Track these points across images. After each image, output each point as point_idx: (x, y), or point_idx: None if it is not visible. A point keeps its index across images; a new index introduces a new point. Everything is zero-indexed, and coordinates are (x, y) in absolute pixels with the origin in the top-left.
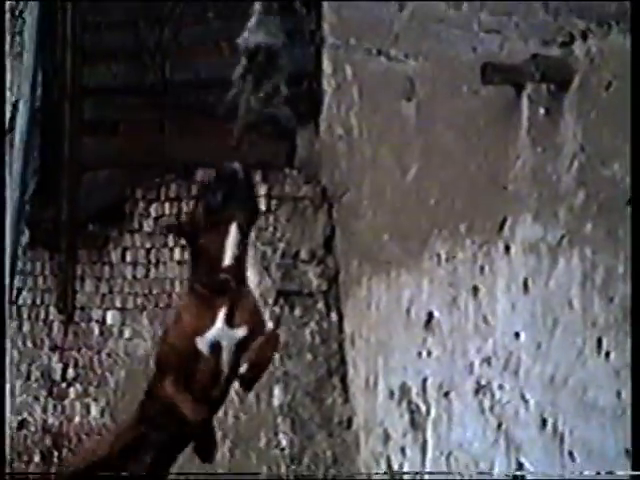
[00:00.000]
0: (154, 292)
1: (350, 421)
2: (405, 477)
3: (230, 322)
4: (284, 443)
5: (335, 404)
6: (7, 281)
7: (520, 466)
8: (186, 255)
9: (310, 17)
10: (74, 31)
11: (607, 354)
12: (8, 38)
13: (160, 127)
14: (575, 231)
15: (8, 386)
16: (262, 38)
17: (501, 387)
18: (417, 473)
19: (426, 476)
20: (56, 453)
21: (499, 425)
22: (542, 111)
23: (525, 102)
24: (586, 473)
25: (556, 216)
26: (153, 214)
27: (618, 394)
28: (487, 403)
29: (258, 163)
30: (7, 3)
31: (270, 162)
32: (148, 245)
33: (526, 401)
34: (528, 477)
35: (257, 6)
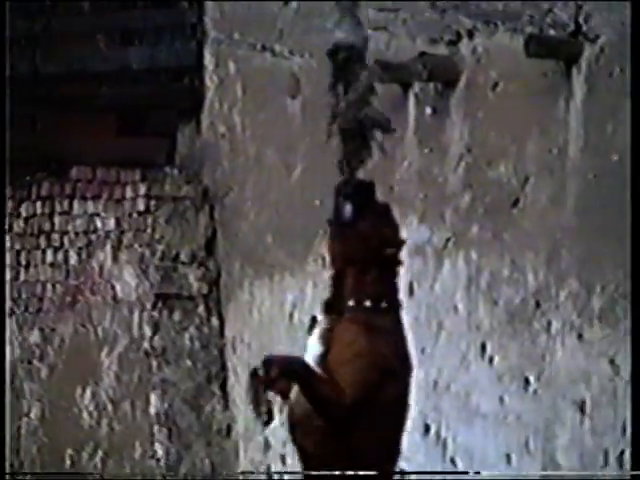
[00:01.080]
0: (23, 296)
1: (230, 429)
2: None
3: None
4: (160, 453)
5: (214, 412)
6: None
7: (401, 473)
8: (59, 257)
9: (192, 10)
10: None
11: (491, 359)
12: None
13: (32, 122)
14: (461, 233)
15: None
16: None
17: None
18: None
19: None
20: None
21: None
22: (429, 110)
23: (412, 101)
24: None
25: (442, 218)
26: (24, 214)
27: (501, 399)
28: None
29: (136, 161)
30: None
31: (149, 160)
32: (18, 247)
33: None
34: None
35: None
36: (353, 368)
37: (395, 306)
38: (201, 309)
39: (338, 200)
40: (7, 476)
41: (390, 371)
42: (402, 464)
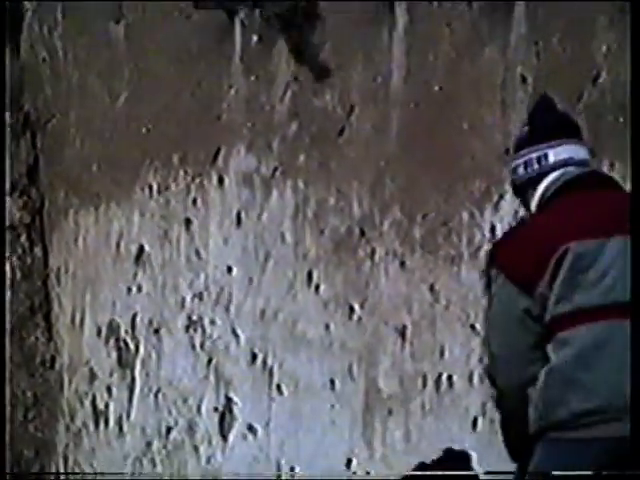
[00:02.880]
0: None
1: (53, 360)
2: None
3: None
4: None
5: (38, 343)
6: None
7: (229, 401)
8: None
9: None
10: None
11: (317, 287)
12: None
13: None
14: (288, 162)
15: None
16: None
17: (212, 322)
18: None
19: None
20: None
21: (209, 360)
22: (255, 38)
23: (238, 28)
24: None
25: (270, 147)
26: None
27: (326, 327)
28: (198, 339)
29: None
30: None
31: None
32: None
33: (237, 336)
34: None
35: None
36: None
37: None
38: (23, 239)
39: None
40: (7, 476)
41: None
42: (230, 394)
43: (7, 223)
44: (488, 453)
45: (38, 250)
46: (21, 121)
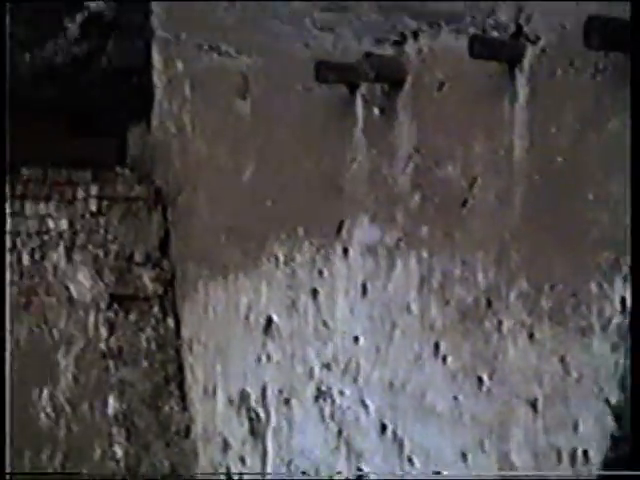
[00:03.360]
0: None
1: (188, 430)
2: None
3: None
4: (119, 454)
5: (172, 412)
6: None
7: (359, 472)
8: (12, 258)
9: (137, 8)
10: None
11: (444, 358)
12: None
13: None
14: (412, 233)
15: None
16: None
17: (341, 393)
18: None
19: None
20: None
21: (339, 431)
22: (376, 111)
23: (359, 102)
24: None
25: (393, 218)
26: None
27: (455, 398)
28: (327, 409)
29: (87, 162)
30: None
31: (100, 161)
32: None
33: (366, 407)
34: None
35: None
36: None
37: None
38: (156, 310)
39: None
40: (7, 476)
41: None
42: (361, 464)
43: (141, 294)
44: None
45: (170, 321)
46: (153, 195)
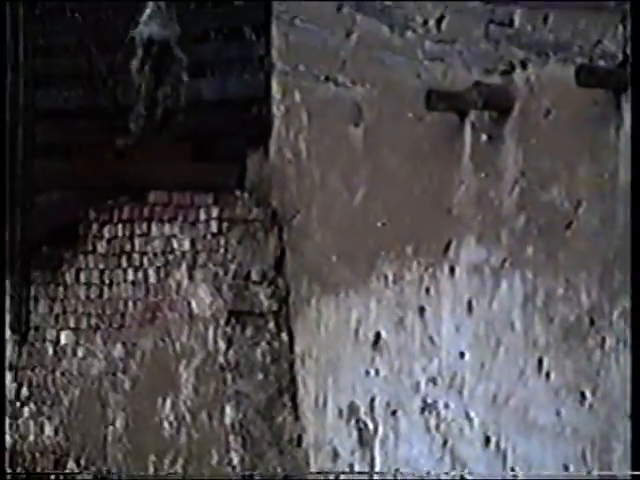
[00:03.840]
0: (107, 312)
1: (300, 439)
2: None
3: None
4: (235, 460)
5: (285, 422)
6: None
7: None
8: (139, 276)
9: (259, 43)
10: (26, 55)
11: (547, 374)
12: None
13: (112, 150)
14: (517, 254)
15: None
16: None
17: (446, 406)
18: None
19: None
20: (10, 470)
21: (444, 442)
22: (484, 137)
23: (468, 128)
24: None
25: (498, 239)
26: (107, 235)
27: (557, 413)
28: (433, 421)
29: (209, 186)
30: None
31: (221, 185)
32: (102, 266)
33: (470, 419)
34: None
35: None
36: None
37: None
38: (271, 325)
39: None
40: (7, 476)
41: None
42: (466, 475)
43: (257, 310)
44: None
45: (284, 335)
46: (269, 217)
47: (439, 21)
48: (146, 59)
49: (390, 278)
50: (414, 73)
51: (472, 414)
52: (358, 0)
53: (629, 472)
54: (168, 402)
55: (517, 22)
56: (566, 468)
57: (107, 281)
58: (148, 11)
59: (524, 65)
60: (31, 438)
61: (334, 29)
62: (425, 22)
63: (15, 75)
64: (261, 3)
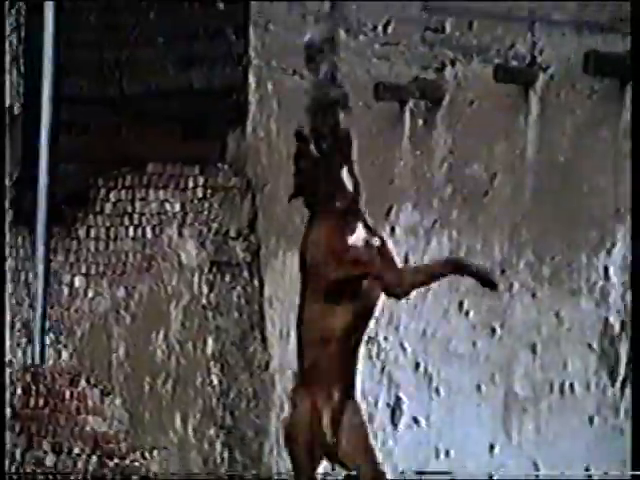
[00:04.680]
0: (112, 262)
1: (267, 365)
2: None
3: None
4: (215, 382)
5: (256, 351)
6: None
7: (398, 399)
8: (138, 232)
9: (239, 42)
10: (56, 48)
11: (467, 313)
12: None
13: (118, 130)
14: (444, 217)
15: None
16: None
17: (385, 338)
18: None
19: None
20: (34, 387)
21: (383, 368)
22: (420, 122)
23: (407, 115)
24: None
25: (430, 205)
26: (112, 199)
27: (474, 344)
28: (374, 351)
29: (196, 159)
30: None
31: (206, 158)
32: (107, 224)
33: (404, 349)
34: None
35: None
36: None
37: None
38: (245, 273)
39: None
40: (7, 476)
41: None
42: (400, 394)
43: (234, 262)
44: (601, 445)
45: (256, 282)
46: (245, 185)
47: (385, 27)
48: None
49: None
50: (365, 69)
51: (405, 345)
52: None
53: (629, 472)
54: (161, 335)
55: (448, 29)
56: (479, 388)
57: (112, 236)
58: None
59: (453, 64)
60: (50, 362)
61: (300, 32)
62: (374, 27)
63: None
64: (240, 7)
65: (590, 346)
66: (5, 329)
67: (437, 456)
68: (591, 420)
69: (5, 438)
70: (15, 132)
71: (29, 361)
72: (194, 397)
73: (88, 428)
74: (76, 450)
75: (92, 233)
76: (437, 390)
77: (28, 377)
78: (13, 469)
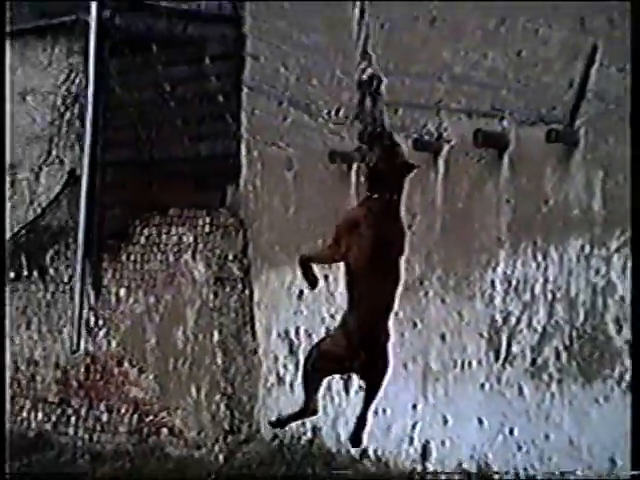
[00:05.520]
0: (145, 278)
1: (256, 350)
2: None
3: None
4: (219, 362)
5: (247, 341)
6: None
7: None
8: (164, 257)
9: (235, 123)
10: (103, 118)
11: (396, 313)
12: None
13: (149, 185)
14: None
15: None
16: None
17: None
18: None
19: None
20: (92, 367)
21: None
22: (362, 179)
23: (353, 174)
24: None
25: None
26: (145, 234)
27: (402, 334)
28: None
29: (204, 205)
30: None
31: (211, 205)
32: (142, 252)
33: None
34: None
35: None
36: None
37: None
38: (240, 285)
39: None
40: (7, 476)
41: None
42: None
43: (232, 277)
44: (489, 404)
45: (247, 291)
46: (238, 224)
47: (337, 111)
48: None
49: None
50: (322, 141)
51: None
52: None
53: (629, 472)
54: (180, 330)
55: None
56: (405, 365)
57: (145, 260)
58: None
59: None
60: (104, 349)
61: (277, 117)
62: (329, 112)
63: (96, 136)
64: (234, 100)
65: (481, 335)
66: (5, 329)
67: (376, 414)
68: (482, 386)
69: (5, 437)
70: (76, 188)
71: (90, 348)
72: (204, 373)
73: (130, 395)
74: (122, 410)
75: (131, 258)
76: None
77: (88, 359)
78: (80, 424)
